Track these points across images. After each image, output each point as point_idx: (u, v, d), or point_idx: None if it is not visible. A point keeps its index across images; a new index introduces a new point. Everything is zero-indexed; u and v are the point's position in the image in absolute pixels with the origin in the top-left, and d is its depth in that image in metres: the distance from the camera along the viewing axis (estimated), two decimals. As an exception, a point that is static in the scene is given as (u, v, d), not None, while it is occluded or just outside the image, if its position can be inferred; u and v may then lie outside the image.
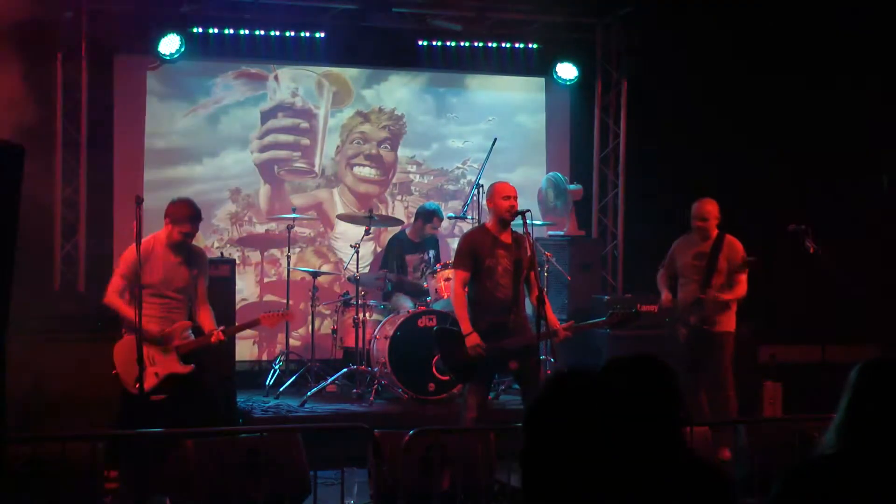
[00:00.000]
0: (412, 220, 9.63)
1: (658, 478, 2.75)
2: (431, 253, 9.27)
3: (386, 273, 9.18)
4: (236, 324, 7.77)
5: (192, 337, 6.89)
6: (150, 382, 6.60)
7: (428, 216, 9.37)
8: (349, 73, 10.68)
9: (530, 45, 10.80)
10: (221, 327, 6.98)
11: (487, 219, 7.24)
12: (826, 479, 2.83)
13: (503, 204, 6.90)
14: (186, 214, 6.84)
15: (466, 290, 6.95)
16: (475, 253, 6.90)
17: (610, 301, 9.06)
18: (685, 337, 7.73)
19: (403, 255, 9.32)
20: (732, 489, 2.88)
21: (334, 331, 9.37)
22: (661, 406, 2.82)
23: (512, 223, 6.98)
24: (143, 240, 6.77)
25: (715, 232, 7.73)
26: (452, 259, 7.72)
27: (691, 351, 7.69)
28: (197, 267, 6.97)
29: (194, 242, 7.16)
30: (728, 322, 7.73)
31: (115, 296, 6.77)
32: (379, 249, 10.30)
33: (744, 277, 7.68)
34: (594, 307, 9.21)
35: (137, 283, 6.45)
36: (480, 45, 10.70)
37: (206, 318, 6.95)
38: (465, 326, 6.84)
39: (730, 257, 7.69)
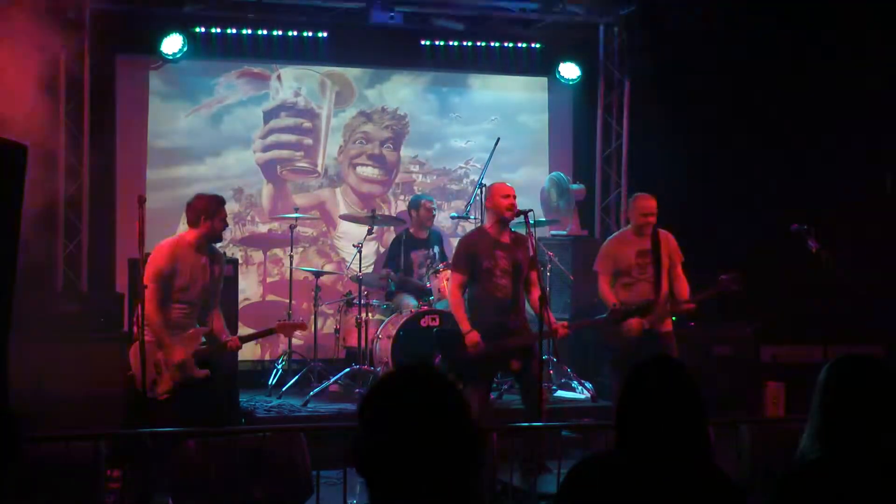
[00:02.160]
0: (409, 217, 9.64)
1: (671, 481, 2.75)
2: (436, 249, 9.29)
3: (389, 273, 9.18)
4: (240, 323, 7.78)
5: (205, 341, 6.86)
6: (166, 386, 6.61)
7: (415, 204, 9.48)
8: (352, 72, 10.69)
9: (533, 45, 10.81)
10: (249, 331, 7.00)
11: (487, 220, 7.25)
12: (819, 486, 2.82)
13: (503, 202, 6.92)
14: (218, 201, 6.78)
15: (465, 291, 6.99)
16: (472, 255, 6.93)
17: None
18: (636, 338, 7.46)
19: (409, 252, 9.33)
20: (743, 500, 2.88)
21: (337, 330, 9.38)
22: (685, 408, 2.82)
23: (512, 224, 7.02)
24: (168, 242, 6.75)
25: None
26: (451, 260, 7.72)
27: (639, 352, 7.36)
28: (218, 270, 6.92)
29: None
30: (670, 321, 7.66)
31: (156, 314, 6.47)
32: (382, 249, 10.32)
33: (680, 271, 7.67)
34: (597, 307, 9.19)
35: (140, 283, 6.41)
36: (483, 44, 10.71)
37: (220, 324, 6.93)
38: (464, 325, 6.87)
39: (670, 253, 7.65)
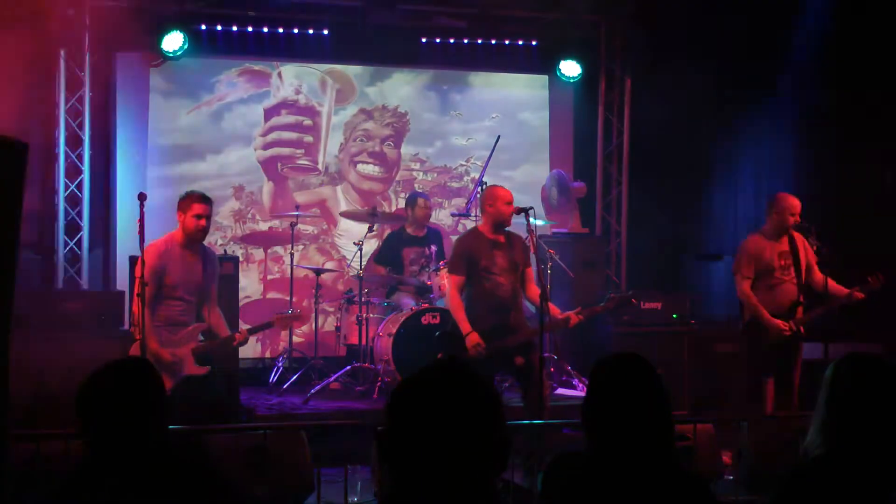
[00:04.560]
0: (406, 215, 9.61)
1: (637, 479, 2.75)
2: (433, 248, 9.28)
3: (389, 272, 9.21)
4: (240, 321, 7.80)
5: (203, 338, 6.87)
6: (167, 385, 6.59)
7: (411, 202, 9.47)
8: (352, 70, 10.68)
9: (534, 43, 10.81)
10: (247, 327, 7.02)
11: (481, 221, 7.31)
12: (823, 481, 2.82)
13: (506, 210, 7.05)
14: (193, 197, 6.72)
15: (463, 292, 7.03)
16: (469, 256, 7.01)
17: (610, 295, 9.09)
18: (782, 336, 7.56)
19: (400, 249, 9.34)
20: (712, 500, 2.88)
21: (338, 328, 9.38)
22: (648, 407, 2.81)
23: (515, 220, 7.07)
24: (158, 241, 6.74)
25: None
26: (447, 262, 7.73)
27: (774, 352, 7.62)
28: (211, 268, 6.92)
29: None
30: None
31: (140, 310, 6.42)
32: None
33: (818, 270, 7.75)
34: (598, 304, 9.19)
35: (142, 284, 6.40)
36: (484, 42, 10.70)
37: (218, 321, 6.93)
38: (465, 327, 6.91)
39: (807, 254, 7.71)
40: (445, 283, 8.62)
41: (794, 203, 7.62)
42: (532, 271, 7.24)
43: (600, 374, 2.89)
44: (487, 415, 2.15)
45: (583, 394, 9.20)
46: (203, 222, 6.73)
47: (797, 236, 7.73)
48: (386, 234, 9.73)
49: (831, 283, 7.67)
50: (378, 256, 9.52)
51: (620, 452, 2.77)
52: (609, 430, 2.80)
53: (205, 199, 6.76)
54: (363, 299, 8.82)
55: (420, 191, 10.24)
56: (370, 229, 9.18)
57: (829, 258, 7.59)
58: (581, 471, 2.83)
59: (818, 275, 7.70)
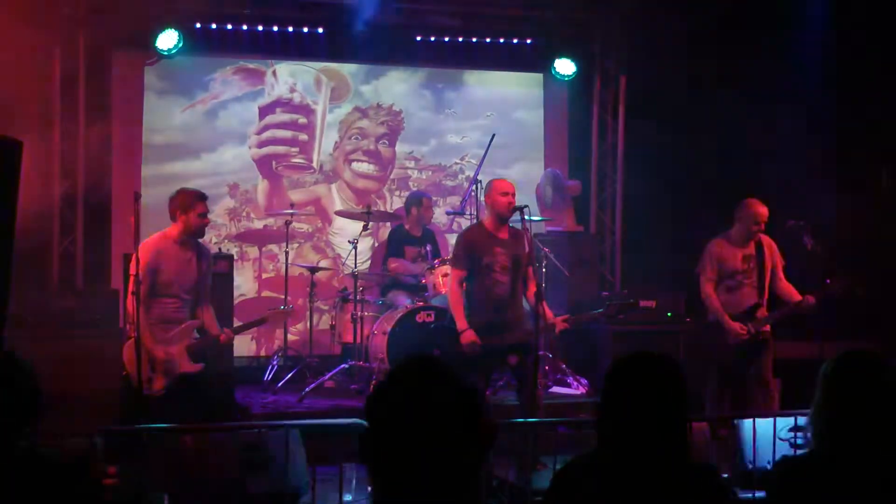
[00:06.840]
0: (406, 214, 9.57)
1: (654, 477, 2.74)
2: (429, 247, 9.28)
3: (385, 269, 9.20)
4: (234, 319, 7.79)
5: (198, 335, 6.87)
6: (161, 383, 6.60)
7: (416, 202, 9.40)
8: (347, 68, 10.68)
9: (528, 41, 10.81)
10: (238, 324, 7.02)
11: (485, 215, 7.25)
12: (820, 479, 2.82)
13: (501, 200, 6.92)
14: (194, 196, 6.79)
15: (464, 287, 6.98)
16: (472, 251, 6.93)
17: (608, 296, 9.07)
18: (740, 339, 7.66)
19: (402, 246, 9.33)
20: (728, 493, 2.87)
21: (332, 326, 9.37)
22: (669, 404, 2.80)
23: (510, 219, 7.01)
24: (153, 238, 6.75)
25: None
26: (451, 256, 7.72)
27: (742, 352, 7.71)
28: (206, 264, 6.93)
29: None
30: (768, 325, 7.81)
31: (135, 308, 6.43)
32: (377, 244, 10.31)
33: (783, 275, 7.84)
34: (593, 303, 9.19)
35: (137, 282, 6.39)
36: (478, 40, 10.71)
37: (210, 318, 6.93)
38: (461, 323, 6.87)
39: (773, 258, 7.79)
40: (440, 280, 8.65)
41: (761, 211, 7.69)
42: (532, 270, 7.19)
43: (618, 374, 2.85)
44: (459, 406, 2.14)
45: (578, 392, 9.26)
46: (207, 220, 6.90)
47: (765, 240, 7.81)
48: (389, 232, 9.70)
49: (790, 289, 7.77)
50: (390, 253, 9.48)
51: (633, 453, 2.75)
52: (624, 431, 2.77)
53: (205, 197, 6.90)
54: (358, 297, 8.81)
55: (421, 189, 10.22)
56: (365, 227, 9.17)
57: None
58: (592, 471, 2.81)
59: (783, 281, 7.81)
